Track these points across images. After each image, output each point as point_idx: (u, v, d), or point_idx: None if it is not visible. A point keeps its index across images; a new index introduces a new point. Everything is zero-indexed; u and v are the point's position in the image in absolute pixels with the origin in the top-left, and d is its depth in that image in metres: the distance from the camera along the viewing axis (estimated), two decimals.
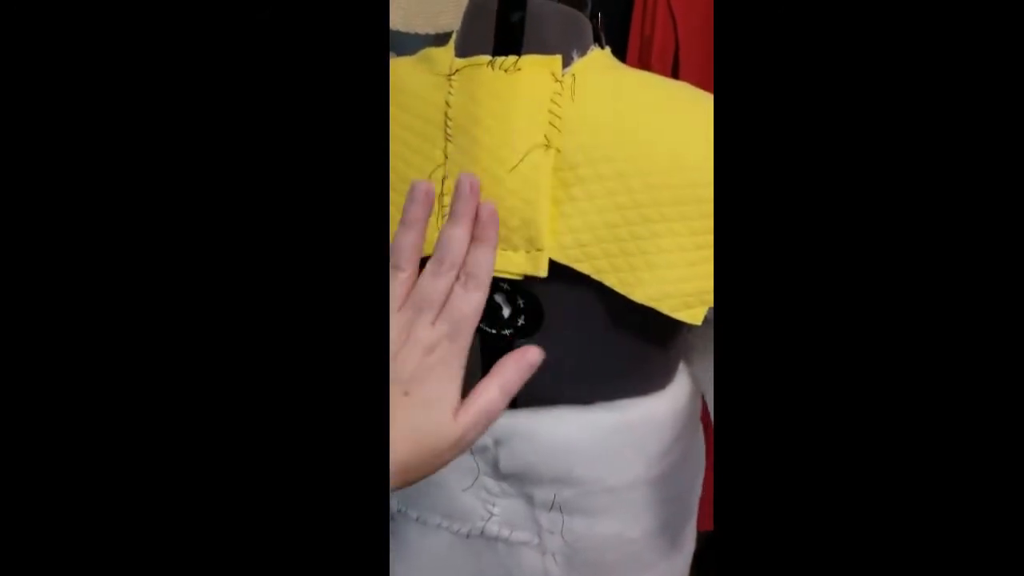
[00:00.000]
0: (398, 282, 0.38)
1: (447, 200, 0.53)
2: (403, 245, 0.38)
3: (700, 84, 0.57)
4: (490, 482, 0.62)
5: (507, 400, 0.38)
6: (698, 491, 0.72)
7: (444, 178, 0.53)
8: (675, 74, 0.88)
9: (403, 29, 0.97)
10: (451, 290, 0.38)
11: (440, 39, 1.02)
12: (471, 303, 0.37)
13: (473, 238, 0.38)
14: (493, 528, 0.64)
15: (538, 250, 0.52)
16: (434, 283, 0.37)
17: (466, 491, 0.62)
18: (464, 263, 0.38)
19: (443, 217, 0.53)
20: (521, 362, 0.38)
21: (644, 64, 0.88)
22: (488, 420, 0.38)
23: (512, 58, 0.51)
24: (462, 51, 0.54)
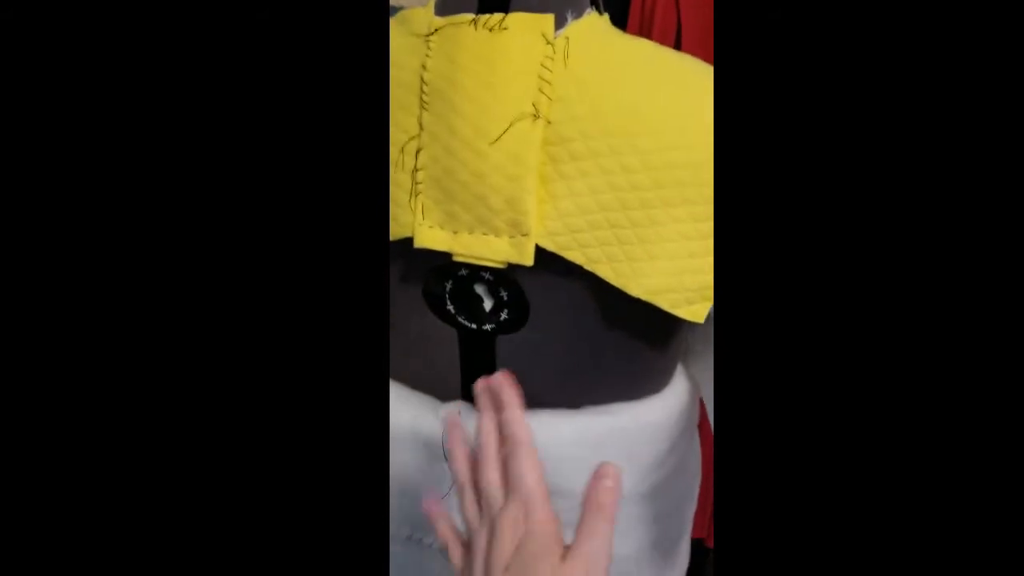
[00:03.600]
0: (467, 500, 0.44)
1: (421, 176, 0.47)
2: (458, 470, 0.45)
3: (704, 59, 0.52)
4: None
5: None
6: (694, 503, 0.68)
7: (419, 151, 0.47)
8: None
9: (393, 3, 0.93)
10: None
11: None
12: (524, 470, 0.41)
13: (495, 408, 0.44)
14: None
15: (523, 235, 0.46)
16: (486, 475, 0.42)
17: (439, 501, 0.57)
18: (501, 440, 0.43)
19: (416, 195, 0.48)
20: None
21: (645, 35, 0.83)
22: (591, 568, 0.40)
23: (498, 16, 0.46)
24: (442, 9, 0.48)
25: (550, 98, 0.45)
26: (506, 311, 0.52)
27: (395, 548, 0.61)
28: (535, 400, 0.55)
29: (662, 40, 0.84)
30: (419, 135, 0.47)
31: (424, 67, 0.46)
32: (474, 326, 0.53)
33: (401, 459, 0.57)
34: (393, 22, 0.52)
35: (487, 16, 0.46)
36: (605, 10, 0.52)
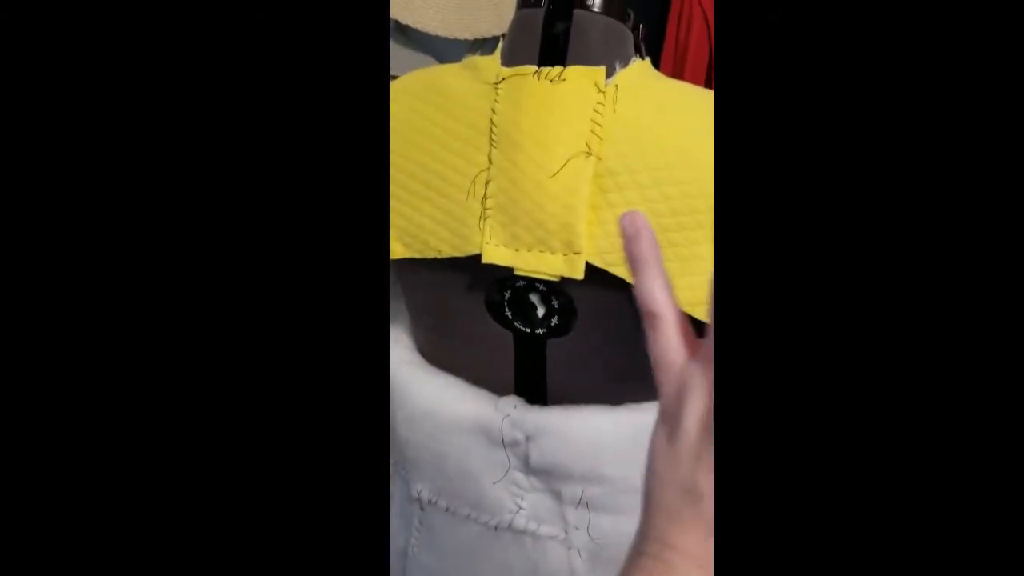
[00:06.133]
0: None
1: (490, 203, 0.55)
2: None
3: None
4: (520, 476, 0.64)
5: None
6: None
7: (488, 182, 0.55)
8: (709, 83, 0.89)
9: (442, 34, 1.00)
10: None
11: (478, 44, 1.04)
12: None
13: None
14: (521, 522, 0.65)
15: (576, 253, 0.53)
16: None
17: (496, 484, 0.64)
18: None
19: (485, 219, 0.55)
20: None
21: (678, 72, 0.89)
22: None
23: (558, 68, 0.53)
24: (508, 61, 0.56)
25: (601, 138, 0.52)
26: (556, 317, 0.58)
27: (456, 526, 0.68)
28: (581, 396, 0.62)
29: (695, 70, 0.90)
30: (488, 168, 0.54)
31: (493, 111, 0.54)
32: (528, 330, 0.59)
33: (463, 445, 0.64)
34: (461, 68, 0.59)
35: (548, 68, 0.53)
36: (647, 54, 0.60)
